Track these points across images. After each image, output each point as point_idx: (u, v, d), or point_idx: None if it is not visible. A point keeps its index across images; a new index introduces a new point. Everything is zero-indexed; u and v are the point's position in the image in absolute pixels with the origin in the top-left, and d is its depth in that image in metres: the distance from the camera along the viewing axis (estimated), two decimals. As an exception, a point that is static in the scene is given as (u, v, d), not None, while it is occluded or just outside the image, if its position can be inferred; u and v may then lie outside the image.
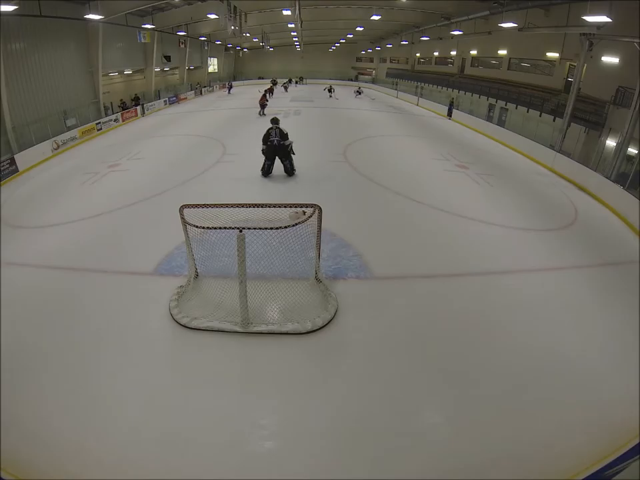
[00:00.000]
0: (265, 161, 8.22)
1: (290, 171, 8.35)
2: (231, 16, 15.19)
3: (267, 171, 8.28)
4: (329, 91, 24.83)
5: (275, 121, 8.18)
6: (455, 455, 2.86)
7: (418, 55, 29.51)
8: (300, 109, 19.07)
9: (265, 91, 20.54)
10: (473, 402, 3.28)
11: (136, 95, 19.38)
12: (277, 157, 8.21)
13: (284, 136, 7.95)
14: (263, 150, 8.18)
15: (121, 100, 18.10)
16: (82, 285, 4.81)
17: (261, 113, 16.50)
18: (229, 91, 29.14)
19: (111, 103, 17.57)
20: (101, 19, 13.56)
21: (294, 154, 8.29)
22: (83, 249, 5.65)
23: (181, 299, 4.36)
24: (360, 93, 26.00)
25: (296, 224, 4.11)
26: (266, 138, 7.95)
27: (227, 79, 35.91)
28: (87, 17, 13.14)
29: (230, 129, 14.23)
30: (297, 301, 4.21)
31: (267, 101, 17.35)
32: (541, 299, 4.65)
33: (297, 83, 35.08)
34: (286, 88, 28.58)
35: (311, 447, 2.92)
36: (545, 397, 3.33)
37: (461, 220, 6.68)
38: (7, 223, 6.75)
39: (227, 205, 3.97)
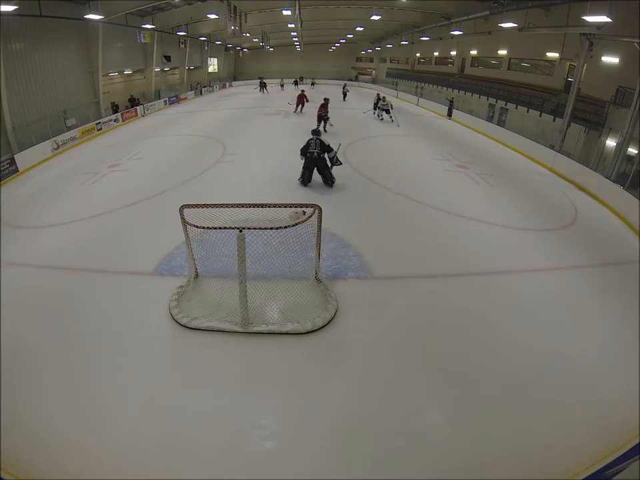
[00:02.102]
0: (304, 169, 7.87)
1: (329, 180, 7.87)
2: (231, 16, 15.19)
3: (307, 180, 7.87)
4: (386, 110, 15.44)
5: (315, 132, 7.86)
6: (455, 455, 2.86)
7: (418, 55, 29.52)
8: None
9: (300, 98, 16.77)
10: (473, 402, 3.28)
11: (132, 96, 19.28)
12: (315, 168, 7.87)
13: (325, 147, 7.64)
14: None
15: (112, 102, 17.44)
16: (82, 285, 4.81)
17: (324, 129, 12.64)
18: (260, 88, 28.68)
19: (112, 102, 17.56)
20: (101, 19, 13.57)
21: (341, 163, 8.03)
22: (82, 249, 5.65)
23: (181, 299, 4.36)
24: (387, 112, 15.46)
25: (296, 224, 4.11)
26: (305, 149, 7.67)
27: (227, 79, 35.97)
28: (86, 17, 13.15)
29: (230, 129, 14.22)
30: (297, 301, 4.21)
31: (328, 112, 13.04)
32: (541, 299, 4.65)
33: (313, 83, 31.91)
34: (345, 95, 22.62)
35: (311, 447, 2.91)
36: (545, 396, 3.33)
37: (461, 220, 6.68)
38: (7, 222, 6.75)
39: (227, 205, 3.97)
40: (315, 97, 24.16)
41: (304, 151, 7.68)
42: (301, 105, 17.16)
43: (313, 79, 33.65)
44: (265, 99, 23.97)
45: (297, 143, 8.51)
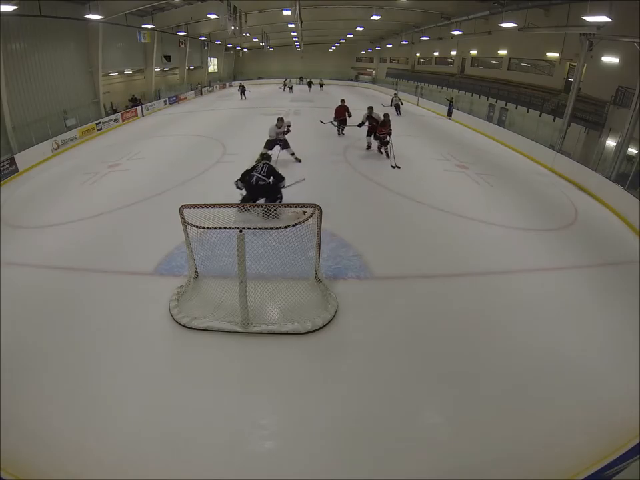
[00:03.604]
0: (246, 198, 6.07)
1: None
2: (231, 16, 15.20)
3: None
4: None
5: (265, 156, 6.58)
6: (455, 454, 2.86)
7: (418, 55, 29.54)
8: (300, 108, 19.06)
9: (340, 112, 11.74)
10: (472, 402, 3.28)
11: (133, 95, 19.27)
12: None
13: (275, 175, 6.07)
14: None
15: (110, 103, 17.48)
16: (82, 285, 4.81)
17: (385, 153, 10.04)
18: (284, 88, 27.48)
19: (111, 103, 17.56)
20: (101, 19, 13.58)
21: (283, 187, 6.30)
22: (83, 249, 5.65)
23: (181, 299, 4.35)
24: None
25: (296, 224, 4.11)
26: (245, 174, 6.12)
27: (227, 79, 35.87)
28: (86, 17, 13.15)
29: (230, 128, 14.23)
30: (297, 301, 4.21)
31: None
32: (540, 299, 4.65)
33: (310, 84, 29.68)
34: (398, 108, 16.76)
35: (311, 447, 2.91)
36: (545, 396, 3.33)
37: (461, 220, 6.67)
38: (7, 222, 6.74)
39: (227, 205, 3.98)
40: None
41: (243, 177, 6.15)
42: (342, 124, 12.00)
43: (321, 79, 31.99)
44: (265, 99, 23.88)
45: (297, 144, 8.52)
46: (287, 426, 3.11)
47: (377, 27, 25.21)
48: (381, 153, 10.29)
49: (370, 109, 10.33)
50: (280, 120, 9.02)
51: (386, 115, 10.01)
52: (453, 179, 8.99)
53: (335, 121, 11.98)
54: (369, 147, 10.70)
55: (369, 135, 10.50)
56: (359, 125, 10.46)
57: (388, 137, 9.83)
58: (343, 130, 12.25)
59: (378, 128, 9.92)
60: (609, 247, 6.21)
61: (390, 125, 9.85)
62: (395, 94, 19.05)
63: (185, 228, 4.15)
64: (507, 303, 4.56)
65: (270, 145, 8.86)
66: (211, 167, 9.33)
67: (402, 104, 17.03)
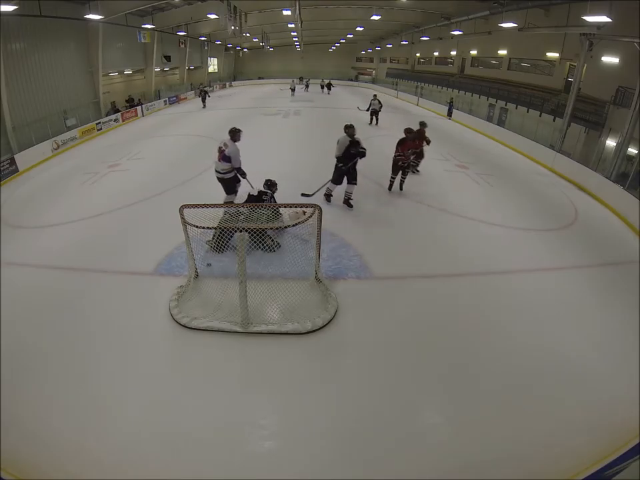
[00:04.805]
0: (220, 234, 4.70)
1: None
2: (231, 16, 15.21)
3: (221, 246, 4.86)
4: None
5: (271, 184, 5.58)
6: (455, 454, 2.86)
7: (418, 55, 29.57)
8: (300, 109, 19.07)
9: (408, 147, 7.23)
10: (472, 402, 3.28)
11: (130, 96, 19.25)
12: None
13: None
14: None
15: (112, 102, 17.62)
16: (82, 285, 4.81)
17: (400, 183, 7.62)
18: (203, 102, 20.49)
19: (113, 102, 17.59)
20: (101, 19, 13.59)
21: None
22: (83, 249, 5.65)
23: (181, 299, 4.35)
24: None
25: (296, 224, 4.11)
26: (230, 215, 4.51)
27: (227, 79, 35.90)
28: (87, 17, 13.17)
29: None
30: (297, 301, 4.21)
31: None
32: (540, 299, 4.65)
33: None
34: (375, 115, 13.77)
35: (311, 446, 2.91)
36: (545, 397, 3.33)
37: (461, 220, 6.68)
38: (7, 223, 6.74)
39: (227, 205, 3.98)
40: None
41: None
42: (419, 158, 8.57)
43: (324, 80, 28.74)
44: (265, 99, 23.86)
45: (297, 144, 8.50)
46: (287, 426, 3.11)
47: (376, 27, 25.22)
48: (406, 173, 7.62)
49: (349, 128, 6.75)
50: (235, 131, 5.78)
51: (408, 130, 7.27)
52: (453, 179, 8.99)
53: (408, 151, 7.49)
54: (328, 197, 7.02)
55: (337, 180, 6.68)
56: (337, 172, 6.65)
57: (411, 158, 7.27)
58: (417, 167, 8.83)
59: (400, 146, 7.18)
60: (609, 246, 6.21)
61: (420, 142, 7.28)
62: (375, 96, 14.83)
63: (185, 228, 4.15)
64: (507, 302, 4.56)
65: (229, 186, 5.55)
66: (211, 167, 9.27)
67: (380, 110, 13.77)
